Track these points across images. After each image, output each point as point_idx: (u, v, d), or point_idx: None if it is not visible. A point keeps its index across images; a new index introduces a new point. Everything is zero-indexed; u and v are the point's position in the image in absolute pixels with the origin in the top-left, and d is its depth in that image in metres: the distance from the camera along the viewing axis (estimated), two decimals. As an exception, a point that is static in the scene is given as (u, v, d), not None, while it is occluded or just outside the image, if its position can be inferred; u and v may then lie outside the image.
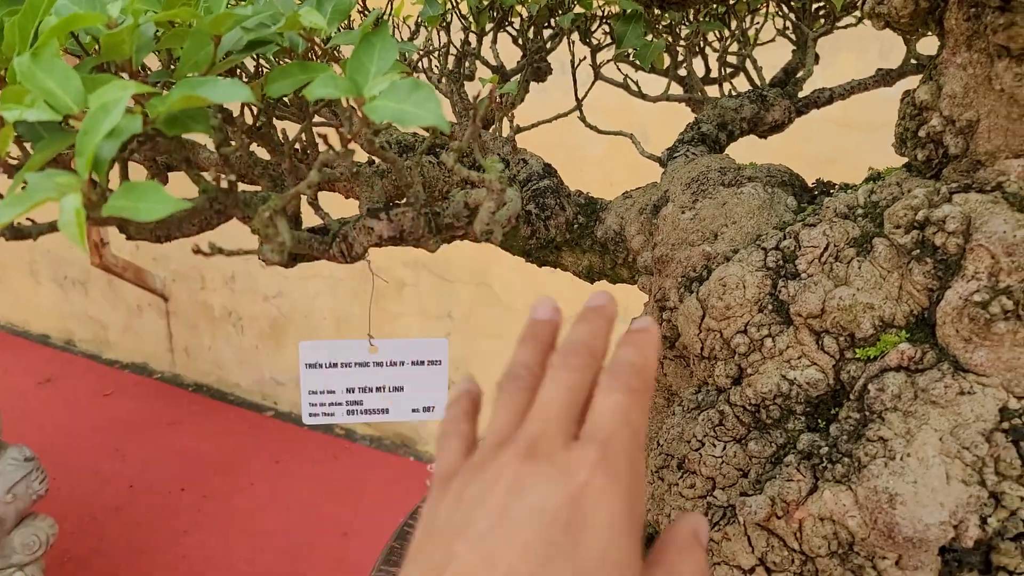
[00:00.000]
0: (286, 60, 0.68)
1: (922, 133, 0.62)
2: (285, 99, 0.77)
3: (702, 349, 0.68)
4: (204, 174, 0.58)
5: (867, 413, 0.58)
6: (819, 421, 0.62)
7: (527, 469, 0.42)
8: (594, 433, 0.44)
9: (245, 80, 0.77)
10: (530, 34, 1.17)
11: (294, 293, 3.13)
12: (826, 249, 0.63)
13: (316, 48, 0.57)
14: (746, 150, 1.50)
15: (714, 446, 0.65)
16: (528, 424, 0.45)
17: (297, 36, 0.57)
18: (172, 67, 0.60)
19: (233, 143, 0.54)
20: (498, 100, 0.90)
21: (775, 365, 0.63)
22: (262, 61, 0.77)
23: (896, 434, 0.56)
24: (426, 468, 2.93)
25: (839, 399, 0.62)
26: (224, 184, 0.56)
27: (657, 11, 0.92)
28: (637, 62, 0.99)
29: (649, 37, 1.10)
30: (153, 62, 0.61)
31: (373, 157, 0.87)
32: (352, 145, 0.54)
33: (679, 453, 0.68)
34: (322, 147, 0.82)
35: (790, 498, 0.59)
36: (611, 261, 0.88)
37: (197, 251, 0.48)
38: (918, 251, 0.59)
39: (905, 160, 0.68)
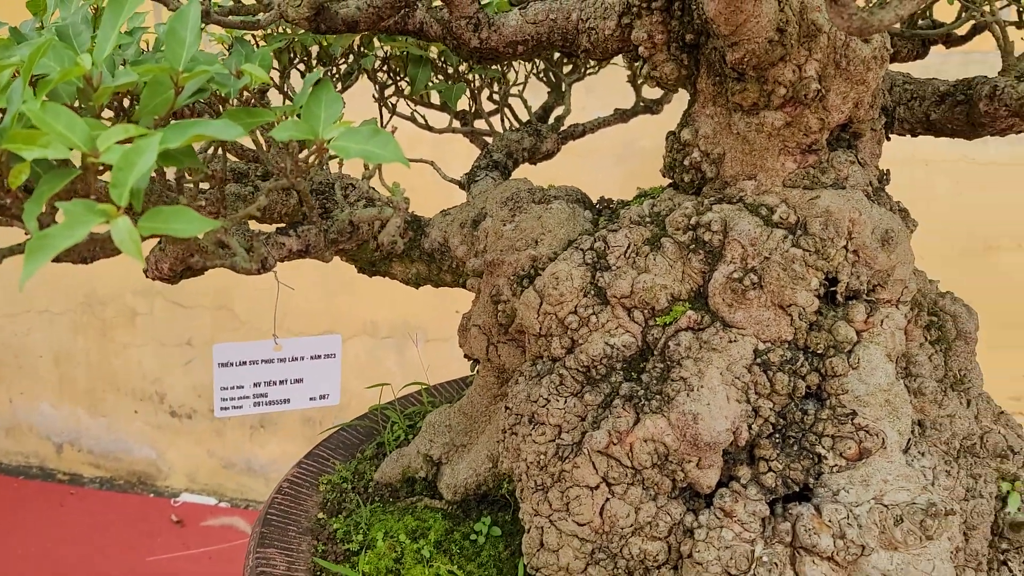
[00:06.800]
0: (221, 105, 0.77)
1: (686, 162, 0.87)
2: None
3: (540, 329, 0.88)
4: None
5: (669, 363, 0.82)
6: (633, 374, 0.85)
7: None
8: None
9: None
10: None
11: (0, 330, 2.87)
12: (628, 247, 0.86)
13: (246, 94, 0.68)
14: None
15: (557, 401, 0.85)
16: None
17: (232, 84, 0.67)
18: (124, 108, 0.67)
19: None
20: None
21: (599, 335, 0.85)
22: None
23: (691, 374, 0.80)
24: (170, 503, 2.83)
25: (646, 356, 0.85)
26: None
27: (474, 63, 1.10)
28: (441, 100, 1.17)
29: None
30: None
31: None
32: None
33: (528, 411, 0.87)
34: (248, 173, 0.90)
35: (622, 428, 0.81)
36: (437, 268, 1.05)
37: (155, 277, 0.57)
38: (693, 246, 0.83)
39: (668, 181, 0.93)
